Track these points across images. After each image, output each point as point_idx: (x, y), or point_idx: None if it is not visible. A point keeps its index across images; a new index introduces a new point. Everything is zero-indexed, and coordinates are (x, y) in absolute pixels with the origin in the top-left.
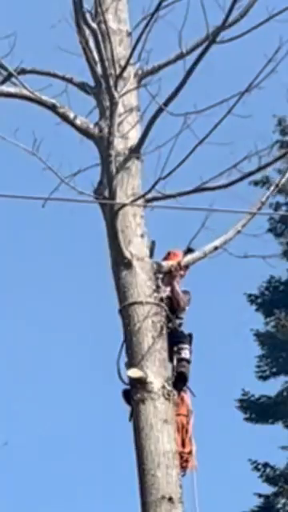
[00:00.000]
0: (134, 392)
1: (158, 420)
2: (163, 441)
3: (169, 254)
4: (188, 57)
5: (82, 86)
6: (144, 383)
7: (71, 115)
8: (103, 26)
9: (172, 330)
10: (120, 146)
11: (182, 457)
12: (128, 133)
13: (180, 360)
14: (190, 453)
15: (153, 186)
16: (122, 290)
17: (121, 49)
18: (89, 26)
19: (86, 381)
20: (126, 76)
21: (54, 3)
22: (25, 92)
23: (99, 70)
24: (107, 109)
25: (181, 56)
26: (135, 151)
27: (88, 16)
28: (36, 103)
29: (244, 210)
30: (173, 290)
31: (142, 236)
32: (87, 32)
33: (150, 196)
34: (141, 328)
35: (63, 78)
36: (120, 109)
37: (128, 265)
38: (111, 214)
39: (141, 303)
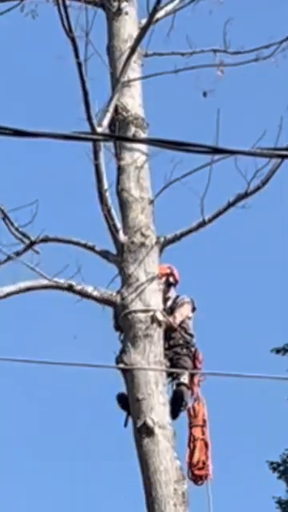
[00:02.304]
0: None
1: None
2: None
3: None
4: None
5: (104, 254)
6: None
7: (89, 289)
8: (125, 194)
9: (173, 358)
10: (142, 314)
11: (192, 468)
12: (150, 300)
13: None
14: (203, 463)
15: None
16: (143, 458)
17: (142, 217)
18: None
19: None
20: (148, 244)
21: (75, 171)
22: (43, 282)
23: (121, 237)
24: (129, 277)
25: (202, 224)
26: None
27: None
28: (53, 289)
29: None
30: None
31: (164, 404)
32: (109, 201)
33: None
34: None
35: (85, 246)
36: (142, 277)
37: (150, 432)
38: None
39: None
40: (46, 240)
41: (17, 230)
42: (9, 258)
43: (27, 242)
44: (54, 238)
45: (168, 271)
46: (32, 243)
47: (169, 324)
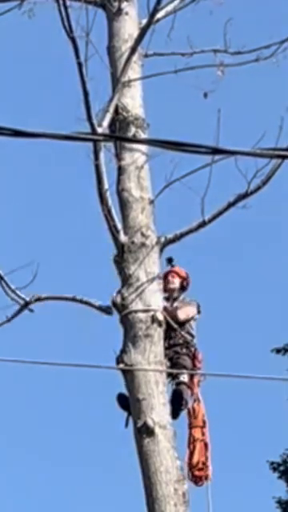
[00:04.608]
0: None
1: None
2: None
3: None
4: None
5: (104, 309)
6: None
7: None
8: (125, 194)
9: (173, 357)
10: (142, 314)
11: (192, 469)
12: (150, 300)
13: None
14: (203, 464)
15: None
16: (144, 458)
17: (143, 217)
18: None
19: None
20: (148, 244)
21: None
22: None
23: (121, 238)
24: (129, 277)
25: (203, 224)
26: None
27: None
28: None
29: None
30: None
31: (164, 404)
32: (109, 201)
33: None
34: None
35: (81, 301)
36: (142, 277)
37: (151, 432)
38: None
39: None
40: (40, 299)
41: (13, 292)
42: (5, 321)
43: (22, 302)
44: (48, 297)
45: (185, 276)
46: (27, 304)
47: (172, 315)
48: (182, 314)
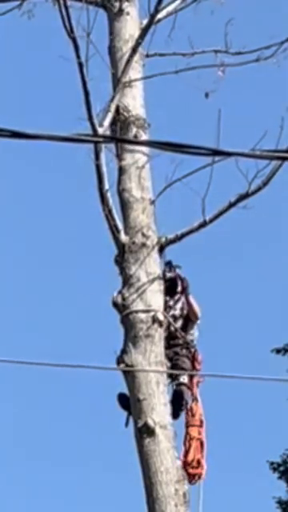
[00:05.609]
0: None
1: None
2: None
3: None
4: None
5: None
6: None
7: None
8: (126, 194)
9: (172, 358)
10: (143, 314)
11: (186, 466)
12: (151, 301)
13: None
14: (198, 462)
15: None
16: (144, 458)
17: (144, 217)
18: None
19: None
20: (149, 244)
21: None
22: None
23: (122, 238)
24: (130, 277)
25: (203, 224)
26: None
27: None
28: None
29: None
30: (189, 304)
31: (165, 405)
32: (110, 201)
33: None
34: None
35: None
36: (143, 277)
37: (151, 432)
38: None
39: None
40: None
41: None
42: None
43: None
44: None
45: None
46: None
47: (194, 311)
48: (199, 312)
